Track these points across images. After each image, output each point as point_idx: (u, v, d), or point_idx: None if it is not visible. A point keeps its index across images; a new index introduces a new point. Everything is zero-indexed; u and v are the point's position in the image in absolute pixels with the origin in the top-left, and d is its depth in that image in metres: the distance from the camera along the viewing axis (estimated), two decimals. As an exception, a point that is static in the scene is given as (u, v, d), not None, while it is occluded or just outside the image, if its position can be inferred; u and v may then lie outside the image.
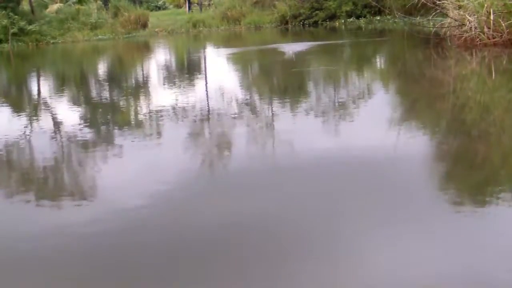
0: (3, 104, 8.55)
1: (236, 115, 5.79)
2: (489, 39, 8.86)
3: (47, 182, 3.99)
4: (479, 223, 2.71)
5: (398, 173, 3.49)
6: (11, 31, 21.14)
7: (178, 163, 4.06)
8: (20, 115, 7.39)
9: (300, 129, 4.88)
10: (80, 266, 2.49)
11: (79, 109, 7.53)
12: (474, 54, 8.79)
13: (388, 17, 19.13)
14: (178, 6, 40.16)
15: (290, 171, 3.65)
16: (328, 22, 21.16)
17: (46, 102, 8.23)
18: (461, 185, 3.35)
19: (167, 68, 12.28)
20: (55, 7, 24.95)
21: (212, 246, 2.58)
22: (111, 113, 6.88)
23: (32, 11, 23.83)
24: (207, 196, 3.32)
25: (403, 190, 3.17)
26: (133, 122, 6.00)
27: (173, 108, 6.43)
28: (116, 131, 5.57)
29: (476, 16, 9.01)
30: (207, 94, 7.55)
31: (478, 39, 9.02)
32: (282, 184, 3.41)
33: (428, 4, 11.37)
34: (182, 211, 3.10)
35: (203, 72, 10.87)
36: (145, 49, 18.52)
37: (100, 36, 23.04)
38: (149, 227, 2.88)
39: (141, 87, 9.22)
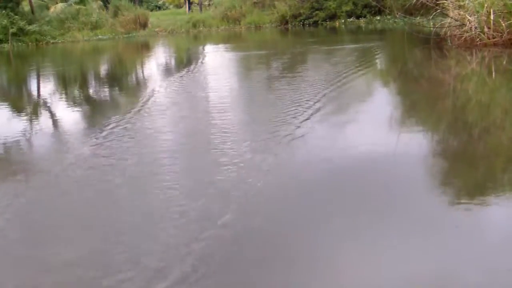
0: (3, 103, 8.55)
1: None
2: (489, 39, 8.85)
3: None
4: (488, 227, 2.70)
5: (395, 172, 3.48)
6: (11, 31, 21.14)
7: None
8: (19, 113, 7.38)
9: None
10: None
11: (79, 108, 7.51)
12: (474, 54, 8.78)
13: (388, 17, 19.12)
14: (178, 6, 40.16)
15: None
16: (328, 22, 21.14)
17: (45, 101, 8.22)
18: (475, 187, 3.35)
19: (164, 67, 12.26)
20: (58, 7, 24.93)
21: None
22: (108, 112, 6.86)
23: (32, 11, 23.81)
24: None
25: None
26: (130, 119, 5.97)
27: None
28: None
29: (476, 16, 9.00)
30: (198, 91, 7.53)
31: (478, 39, 9.01)
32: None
33: (428, 4, 11.36)
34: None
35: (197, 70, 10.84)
36: (145, 49, 18.51)
37: (100, 36, 23.03)
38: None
39: (140, 86, 9.21)
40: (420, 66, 8.87)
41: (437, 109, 5.51)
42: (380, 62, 10.00)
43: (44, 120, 6.80)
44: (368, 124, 4.84)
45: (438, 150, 4.07)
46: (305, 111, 5.21)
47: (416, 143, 4.09)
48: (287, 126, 4.67)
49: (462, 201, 3.03)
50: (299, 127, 4.63)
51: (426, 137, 4.40)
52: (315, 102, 5.57)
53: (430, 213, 2.82)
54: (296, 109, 5.33)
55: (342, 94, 6.29)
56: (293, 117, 5.00)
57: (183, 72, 9.82)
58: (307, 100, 5.73)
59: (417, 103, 5.99)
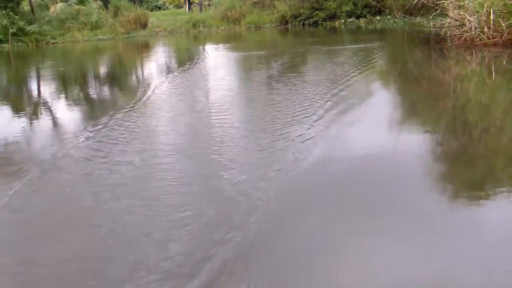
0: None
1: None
2: (489, 39, 8.85)
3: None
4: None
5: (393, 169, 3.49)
6: (11, 31, 21.16)
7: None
8: (19, 112, 7.39)
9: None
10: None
11: (79, 107, 7.52)
12: (474, 54, 8.78)
13: (388, 17, 19.12)
14: (178, 6, 40.16)
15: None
16: (328, 22, 21.15)
17: (44, 100, 8.23)
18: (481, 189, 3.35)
19: (164, 67, 12.26)
20: (58, 7, 24.93)
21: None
22: (107, 110, 6.86)
23: (32, 11, 23.82)
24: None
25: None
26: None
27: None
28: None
29: (476, 16, 9.01)
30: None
31: (478, 39, 9.02)
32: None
33: (428, 4, 11.36)
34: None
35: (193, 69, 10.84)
36: (145, 49, 18.51)
37: (100, 36, 23.03)
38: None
39: (140, 85, 9.20)
40: (421, 66, 8.87)
41: (449, 109, 5.52)
42: (381, 62, 10.00)
43: (43, 117, 6.84)
44: (376, 124, 4.87)
45: (445, 151, 4.07)
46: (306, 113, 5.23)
47: (418, 143, 4.09)
48: (298, 126, 4.76)
49: (463, 201, 3.04)
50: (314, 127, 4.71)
51: (432, 138, 4.40)
52: (321, 104, 5.61)
53: (430, 213, 2.83)
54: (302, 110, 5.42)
55: (346, 94, 6.28)
56: (300, 117, 5.05)
57: (183, 72, 9.82)
58: (310, 100, 5.76)
59: (421, 103, 5.99)
